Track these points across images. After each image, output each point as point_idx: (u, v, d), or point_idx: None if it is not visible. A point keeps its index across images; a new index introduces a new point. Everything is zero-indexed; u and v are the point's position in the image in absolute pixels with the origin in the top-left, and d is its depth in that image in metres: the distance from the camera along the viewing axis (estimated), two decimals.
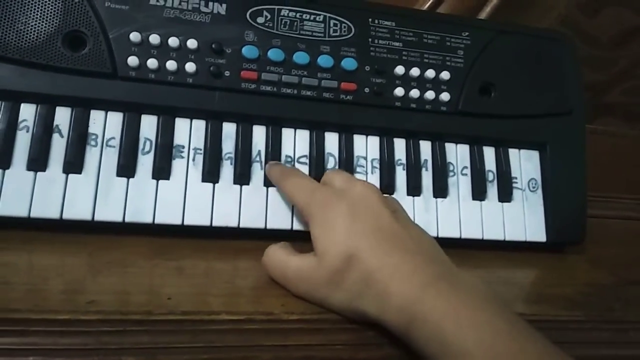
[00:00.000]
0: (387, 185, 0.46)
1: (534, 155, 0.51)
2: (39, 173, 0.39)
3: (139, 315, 0.31)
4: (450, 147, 0.49)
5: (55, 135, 0.40)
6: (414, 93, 0.47)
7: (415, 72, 0.47)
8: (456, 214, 0.47)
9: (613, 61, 0.68)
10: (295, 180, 0.40)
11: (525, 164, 0.51)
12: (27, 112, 0.40)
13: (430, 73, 0.47)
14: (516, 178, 0.50)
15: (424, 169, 0.48)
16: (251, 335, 0.31)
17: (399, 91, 0.46)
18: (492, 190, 0.49)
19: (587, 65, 0.60)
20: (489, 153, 0.50)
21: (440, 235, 0.46)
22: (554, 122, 0.51)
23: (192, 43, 0.42)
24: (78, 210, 0.39)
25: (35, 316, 0.29)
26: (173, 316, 0.31)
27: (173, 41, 0.42)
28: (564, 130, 0.51)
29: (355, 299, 0.32)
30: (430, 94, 0.47)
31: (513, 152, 0.50)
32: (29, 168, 0.39)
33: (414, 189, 0.47)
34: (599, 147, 0.64)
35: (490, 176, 0.49)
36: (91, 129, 0.41)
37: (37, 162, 0.39)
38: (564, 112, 0.51)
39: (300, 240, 0.42)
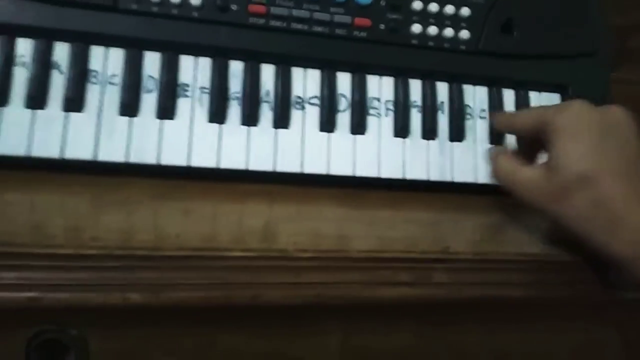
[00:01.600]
0: (402, 128, 0.44)
1: (555, 98, 0.48)
2: (38, 111, 0.37)
3: (145, 250, 0.30)
4: (468, 89, 0.46)
5: (54, 72, 0.38)
6: (432, 30, 0.44)
7: (433, 7, 0.44)
8: (472, 159, 0.45)
9: (637, 3, 0.65)
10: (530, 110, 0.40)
11: None
12: (24, 47, 0.38)
13: (449, 9, 0.44)
14: None
15: (440, 112, 0.45)
16: (262, 273, 0.30)
17: (416, 28, 0.44)
18: (511, 135, 0.47)
19: (612, 8, 0.57)
20: (508, 96, 0.47)
21: (455, 180, 0.44)
22: (577, 63, 0.48)
23: None
24: (80, 149, 0.38)
25: (38, 250, 0.28)
26: (182, 252, 0.30)
27: None
28: (587, 72, 0.48)
29: (578, 220, 0.32)
30: (449, 32, 0.44)
31: (534, 95, 0.48)
32: (27, 106, 0.37)
33: (429, 132, 0.45)
34: (621, 96, 0.61)
35: None
36: (92, 65, 0.39)
37: (36, 99, 0.37)
38: (588, 53, 0.48)
39: (309, 183, 0.41)
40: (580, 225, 0.32)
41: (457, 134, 0.45)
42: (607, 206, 0.31)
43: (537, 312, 0.37)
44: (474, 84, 0.47)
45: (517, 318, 0.37)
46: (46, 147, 0.37)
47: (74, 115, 0.38)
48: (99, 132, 0.38)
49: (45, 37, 0.38)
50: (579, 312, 0.37)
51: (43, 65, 0.38)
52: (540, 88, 0.48)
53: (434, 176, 0.44)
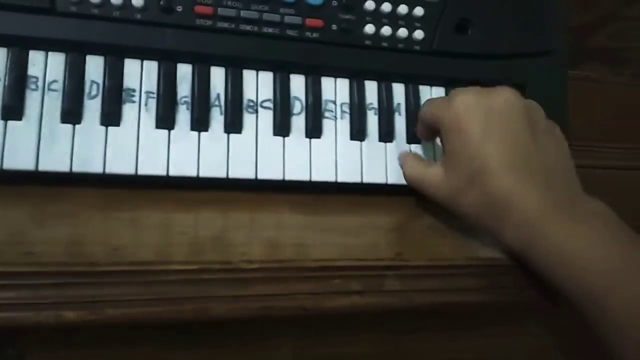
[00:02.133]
0: (358, 130, 0.43)
1: None
2: None
3: (82, 266, 0.28)
4: (424, 90, 0.46)
5: None
6: (386, 30, 0.43)
7: (386, 7, 0.43)
8: (431, 160, 0.45)
9: (596, 3, 0.65)
10: (430, 102, 0.40)
11: None
12: None
13: (402, 9, 0.44)
14: None
15: (397, 113, 0.45)
16: (207, 286, 0.29)
17: (369, 28, 0.43)
18: None
19: (569, 7, 0.57)
20: None
21: None
22: (533, 62, 0.48)
23: None
24: (19, 159, 0.36)
25: None
26: (120, 267, 0.29)
27: None
28: (544, 71, 0.48)
29: (477, 211, 0.33)
30: (402, 32, 0.44)
31: None
32: None
33: (386, 135, 0.44)
34: (581, 93, 0.61)
35: None
36: (30, 72, 0.37)
37: None
38: (544, 52, 0.48)
39: (264, 190, 0.40)
40: (481, 220, 0.33)
41: (414, 136, 0.45)
42: (497, 198, 0.31)
43: (490, 317, 0.36)
44: (431, 84, 0.46)
45: (471, 324, 0.36)
46: None
47: (12, 123, 0.36)
48: (40, 141, 0.37)
49: None
50: (532, 316, 0.37)
51: None
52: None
53: (392, 179, 0.43)
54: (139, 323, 0.28)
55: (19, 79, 0.37)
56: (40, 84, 0.37)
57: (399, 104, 0.45)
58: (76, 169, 0.37)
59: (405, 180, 0.40)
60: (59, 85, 0.38)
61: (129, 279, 0.28)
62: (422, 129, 0.41)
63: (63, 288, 0.27)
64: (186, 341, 0.31)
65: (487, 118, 0.33)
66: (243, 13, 0.40)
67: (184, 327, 0.30)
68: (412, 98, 0.45)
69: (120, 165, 0.38)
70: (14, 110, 0.36)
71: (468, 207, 0.33)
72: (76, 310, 0.27)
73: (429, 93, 0.46)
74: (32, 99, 0.37)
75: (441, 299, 0.32)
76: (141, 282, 0.28)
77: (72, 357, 0.30)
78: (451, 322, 0.36)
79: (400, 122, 0.45)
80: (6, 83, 0.37)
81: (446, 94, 0.46)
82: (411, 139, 0.45)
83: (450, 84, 0.46)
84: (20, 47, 0.37)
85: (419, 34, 0.44)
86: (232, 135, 0.40)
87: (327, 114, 0.43)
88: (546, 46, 0.49)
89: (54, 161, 0.37)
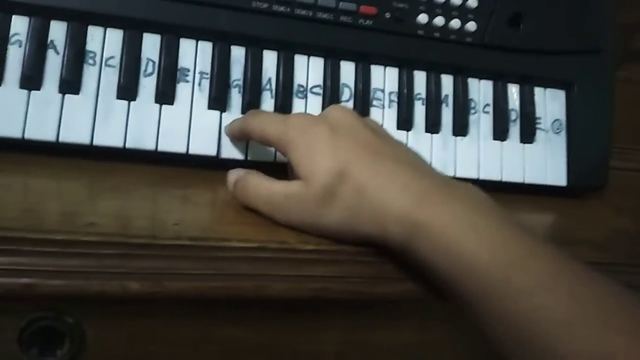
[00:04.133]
0: (405, 120, 0.43)
1: (560, 95, 0.48)
2: (33, 92, 0.36)
3: (144, 239, 0.29)
4: (473, 83, 0.46)
5: (50, 52, 0.37)
6: (439, 21, 0.43)
7: None
8: (476, 154, 0.45)
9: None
10: (263, 116, 0.36)
11: (551, 104, 0.48)
12: (19, 25, 0.37)
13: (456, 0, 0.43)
14: (540, 118, 0.47)
15: (444, 105, 0.45)
16: (263, 264, 0.29)
17: (423, 18, 0.43)
18: (514, 130, 0.46)
19: (618, 5, 0.56)
20: (513, 91, 0.47)
21: (457, 175, 0.44)
22: (582, 60, 0.48)
23: None
24: (76, 133, 0.36)
25: (31, 235, 0.27)
26: (180, 241, 0.29)
27: None
28: (592, 70, 0.48)
29: (352, 217, 0.30)
30: (455, 23, 0.43)
31: (539, 91, 0.47)
32: (22, 86, 0.36)
33: (433, 126, 0.44)
34: (623, 95, 0.60)
35: (513, 115, 0.46)
36: (89, 47, 0.38)
37: (31, 79, 0.36)
38: (594, 50, 0.48)
39: None
40: (354, 222, 0.30)
41: (460, 128, 0.45)
42: (369, 189, 0.29)
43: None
44: (479, 77, 0.46)
45: None
46: (41, 130, 0.36)
47: (70, 97, 0.37)
48: (95, 116, 0.37)
49: (41, 16, 0.37)
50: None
51: (39, 45, 0.37)
52: (545, 84, 0.48)
53: (438, 169, 0.43)
54: (199, 297, 0.28)
55: (78, 54, 0.37)
56: (98, 59, 0.38)
57: (446, 95, 0.45)
58: (130, 145, 0.37)
59: (244, 198, 0.34)
60: (116, 62, 0.38)
61: (188, 253, 0.29)
62: (240, 134, 0.38)
63: (126, 259, 0.28)
64: (239, 315, 0.31)
65: (331, 126, 0.32)
66: None
67: (233, 304, 0.30)
68: (461, 90, 0.45)
69: (172, 143, 0.38)
70: (72, 84, 0.37)
71: (340, 214, 0.30)
72: (140, 281, 0.27)
73: (477, 85, 0.46)
74: (89, 74, 0.38)
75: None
76: (202, 257, 0.28)
77: (128, 326, 0.30)
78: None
79: (447, 114, 0.45)
80: (65, 57, 0.37)
81: (494, 87, 0.46)
82: (458, 130, 0.45)
83: (499, 77, 0.46)
84: (79, 22, 0.38)
85: (471, 26, 0.44)
86: None
87: (375, 102, 0.43)
88: (595, 45, 0.48)
89: (109, 136, 0.37)
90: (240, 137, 0.38)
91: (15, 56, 0.36)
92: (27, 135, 0.35)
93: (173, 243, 0.29)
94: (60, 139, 0.36)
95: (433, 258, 0.27)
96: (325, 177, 0.30)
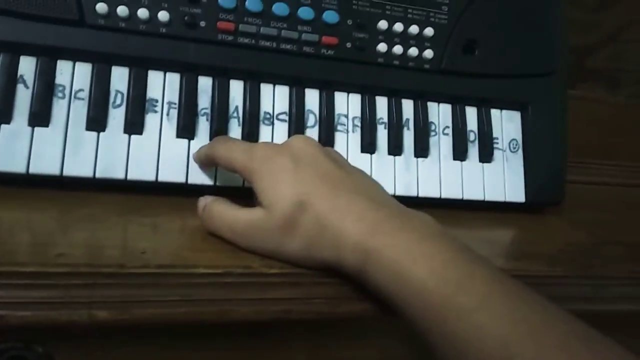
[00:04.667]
0: (369, 144, 0.45)
1: (516, 115, 0.51)
2: (2, 125, 0.37)
3: (111, 268, 0.30)
4: (432, 107, 0.48)
5: (20, 86, 0.38)
6: (397, 49, 0.45)
7: (398, 27, 0.45)
8: (437, 174, 0.47)
9: (597, 25, 0.68)
10: (229, 143, 0.38)
11: (507, 125, 0.50)
12: None
13: (413, 29, 0.46)
14: (497, 138, 0.50)
15: (405, 128, 0.47)
16: (229, 289, 0.31)
17: (382, 47, 0.45)
18: (473, 151, 0.49)
19: (571, 28, 0.60)
20: (471, 113, 0.49)
21: (420, 195, 0.46)
22: (536, 82, 0.50)
23: None
24: (46, 164, 0.37)
25: (2, 268, 0.28)
26: (147, 269, 0.30)
27: None
28: (546, 91, 0.51)
29: (312, 245, 0.31)
30: (413, 51, 0.46)
31: (495, 113, 0.50)
32: None
33: (395, 149, 0.46)
34: (578, 113, 0.63)
35: (472, 136, 0.49)
36: (58, 80, 0.39)
37: (1, 113, 0.37)
38: (547, 73, 0.50)
39: None
40: (313, 250, 0.31)
41: (422, 150, 0.47)
42: (328, 219, 0.31)
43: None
44: (438, 101, 0.48)
45: None
46: (11, 162, 0.37)
47: (39, 130, 0.38)
48: (65, 147, 0.38)
49: (10, 51, 0.38)
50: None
51: (8, 79, 0.38)
52: (501, 106, 0.50)
53: (400, 191, 0.45)
54: (166, 323, 0.29)
55: (47, 87, 0.38)
56: (67, 92, 0.39)
57: (407, 119, 0.47)
58: (99, 174, 0.38)
59: (209, 224, 0.35)
60: (85, 94, 0.39)
61: (156, 281, 0.30)
62: (206, 160, 0.39)
63: (94, 288, 0.29)
64: (207, 340, 0.32)
65: (293, 157, 0.34)
66: (263, 30, 0.42)
67: (200, 329, 0.31)
68: (421, 114, 0.47)
69: (141, 172, 0.39)
70: (42, 117, 0.38)
71: (302, 242, 0.31)
72: (108, 310, 0.28)
73: (436, 109, 0.48)
74: (59, 107, 0.39)
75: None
76: (169, 284, 0.30)
77: (98, 354, 0.31)
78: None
79: (408, 137, 0.47)
80: (35, 91, 0.38)
81: (453, 111, 0.49)
82: (419, 152, 0.47)
83: (457, 101, 0.49)
84: (49, 57, 0.39)
85: (428, 53, 0.46)
86: None
87: (339, 127, 0.45)
88: (549, 67, 0.51)
89: (79, 167, 0.38)
90: (207, 164, 0.40)
91: None
92: None
93: (140, 271, 0.30)
94: (31, 171, 0.37)
95: (385, 283, 0.29)
96: (287, 206, 0.31)
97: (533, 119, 0.50)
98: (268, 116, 0.43)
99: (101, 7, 0.39)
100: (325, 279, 0.32)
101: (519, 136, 0.50)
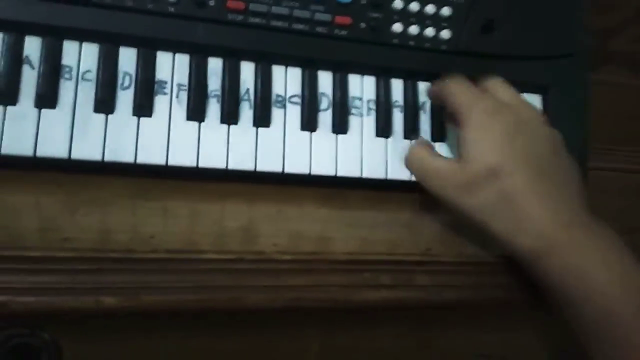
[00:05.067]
0: (384, 127, 0.44)
1: (536, 99, 0.49)
2: (8, 107, 0.36)
3: (119, 253, 0.29)
4: None
5: (26, 67, 0.37)
6: (413, 29, 0.44)
7: (414, 6, 0.44)
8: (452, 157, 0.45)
9: (620, 6, 0.65)
10: (460, 84, 0.39)
11: None
12: None
13: (430, 8, 0.44)
14: None
15: (421, 111, 0.45)
16: (240, 276, 0.30)
17: (397, 27, 0.43)
18: None
19: (592, 9, 0.57)
20: None
21: None
22: (556, 64, 0.48)
23: None
24: (53, 147, 0.36)
25: (6, 253, 0.27)
26: (156, 254, 0.29)
27: None
28: (567, 73, 0.49)
29: (485, 212, 0.32)
30: (430, 31, 0.44)
31: None
32: None
33: (411, 132, 0.44)
34: (601, 96, 0.61)
35: None
36: (65, 61, 0.38)
37: (6, 95, 0.36)
38: (568, 54, 0.49)
39: (290, 183, 0.40)
40: (485, 219, 0.32)
41: (438, 133, 0.45)
42: (514, 200, 0.31)
43: (517, 313, 0.37)
44: None
45: (498, 319, 0.37)
46: (17, 145, 0.36)
47: (46, 112, 0.37)
48: (73, 130, 0.37)
49: (15, 31, 0.37)
50: None
51: (14, 60, 0.37)
52: (520, 88, 0.48)
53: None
54: (175, 310, 0.28)
55: (53, 68, 0.37)
56: (74, 73, 0.38)
57: (424, 102, 0.45)
58: (108, 158, 0.37)
59: (407, 165, 0.40)
60: (92, 75, 0.38)
61: (165, 266, 0.29)
62: (436, 98, 0.42)
63: (101, 274, 0.28)
64: (218, 327, 0.32)
65: (514, 123, 0.34)
66: (274, 9, 0.40)
67: (210, 316, 0.31)
68: None
69: (150, 155, 0.38)
70: (48, 99, 0.37)
71: (477, 205, 0.33)
72: (115, 296, 0.27)
73: None
74: (65, 88, 0.38)
75: (470, 296, 0.32)
76: (178, 269, 0.29)
77: (105, 341, 0.30)
78: (477, 317, 0.36)
79: (425, 120, 0.45)
80: (41, 72, 0.37)
81: None
82: (435, 136, 0.45)
83: (475, 82, 0.47)
84: (54, 37, 0.38)
85: (445, 34, 0.44)
86: (260, 129, 0.41)
87: (353, 111, 0.44)
88: (569, 49, 0.49)
89: (87, 150, 0.37)
90: (435, 99, 0.41)
91: None
92: (4, 151, 0.35)
93: (149, 257, 0.29)
94: (38, 154, 0.36)
95: (560, 278, 0.30)
96: (482, 168, 0.32)
97: (553, 103, 0.48)
98: (280, 99, 0.42)
99: None
100: (341, 266, 0.31)
101: None
